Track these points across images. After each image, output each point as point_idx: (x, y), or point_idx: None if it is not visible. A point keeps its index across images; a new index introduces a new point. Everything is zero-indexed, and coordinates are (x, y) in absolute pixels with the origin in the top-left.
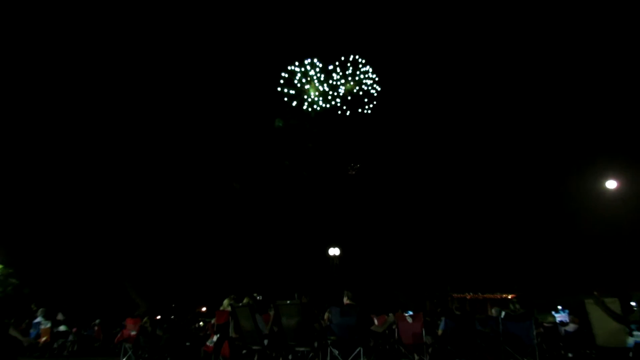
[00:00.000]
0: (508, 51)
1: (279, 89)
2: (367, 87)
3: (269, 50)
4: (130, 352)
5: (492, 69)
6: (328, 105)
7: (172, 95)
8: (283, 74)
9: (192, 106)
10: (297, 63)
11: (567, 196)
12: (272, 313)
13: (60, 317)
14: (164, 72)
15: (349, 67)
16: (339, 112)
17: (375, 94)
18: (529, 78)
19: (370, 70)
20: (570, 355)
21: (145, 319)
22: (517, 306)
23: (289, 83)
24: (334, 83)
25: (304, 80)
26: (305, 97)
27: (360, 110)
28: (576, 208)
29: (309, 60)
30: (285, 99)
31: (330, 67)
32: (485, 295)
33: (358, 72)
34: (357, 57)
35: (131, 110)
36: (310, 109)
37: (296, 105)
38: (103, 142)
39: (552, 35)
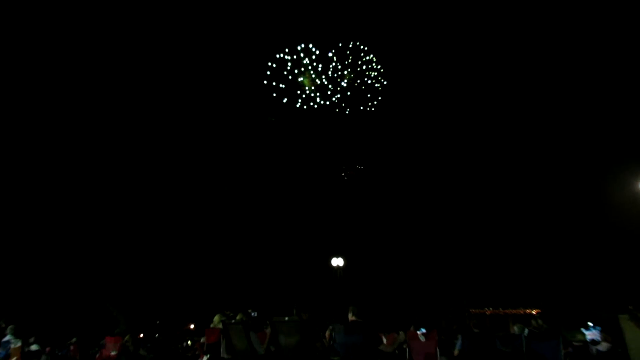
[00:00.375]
0: (534, 48)
1: (265, 82)
2: (371, 81)
3: (258, 35)
4: None
5: (521, 68)
6: (328, 102)
7: (153, 98)
8: (270, 64)
9: (171, 109)
10: (287, 50)
11: (595, 200)
12: (268, 331)
13: (32, 340)
14: (143, 71)
15: (349, 55)
16: (337, 110)
17: (380, 89)
18: (557, 76)
19: (374, 60)
20: None
21: (126, 338)
22: (541, 322)
23: (279, 74)
24: (332, 75)
25: (296, 71)
26: (299, 92)
27: (362, 107)
28: (606, 213)
29: (302, 46)
30: (274, 94)
31: (330, 54)
32: (506, 311)
33: (360, 62)
34: (357, 43)
35: (104, 119)
36: (305, 107)
37: (288, 100)
38: (79, 148)
39: (582, 33)
